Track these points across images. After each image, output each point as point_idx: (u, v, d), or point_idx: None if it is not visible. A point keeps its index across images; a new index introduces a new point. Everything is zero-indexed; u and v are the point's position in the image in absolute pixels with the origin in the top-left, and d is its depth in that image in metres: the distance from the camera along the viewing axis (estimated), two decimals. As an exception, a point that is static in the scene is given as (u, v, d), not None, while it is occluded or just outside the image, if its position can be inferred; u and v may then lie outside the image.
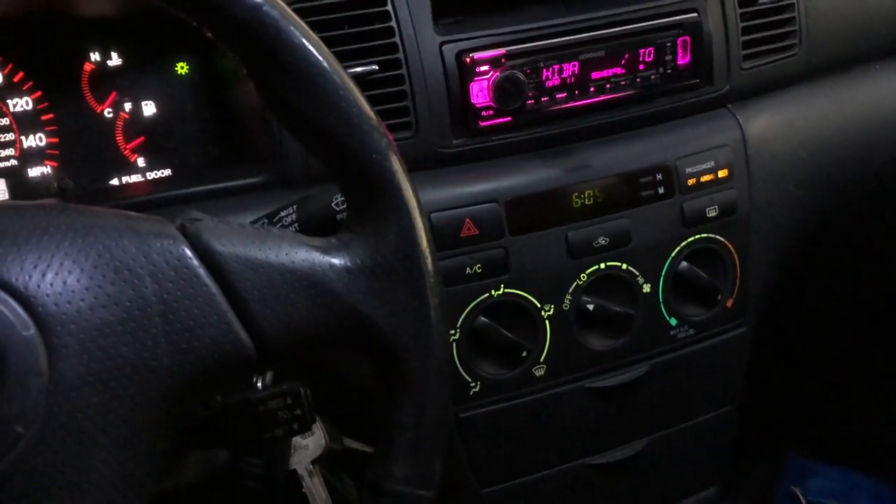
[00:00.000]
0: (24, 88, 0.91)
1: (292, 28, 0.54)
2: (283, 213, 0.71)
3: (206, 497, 0.84)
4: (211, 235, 0.54)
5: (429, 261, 0.58)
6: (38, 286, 0.49)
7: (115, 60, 0.93)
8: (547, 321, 0.95)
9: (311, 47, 0.54)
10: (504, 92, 0.90)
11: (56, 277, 0.50)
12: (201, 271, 0.53)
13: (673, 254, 0.99)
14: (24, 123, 0.91)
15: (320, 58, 0.55)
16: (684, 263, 1.00)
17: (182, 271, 0.52)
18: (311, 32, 0.55)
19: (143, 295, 0.51)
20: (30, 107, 0.91)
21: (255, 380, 0.73)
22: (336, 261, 0.56)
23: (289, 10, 0.54)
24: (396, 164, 0.57)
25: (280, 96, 0.56)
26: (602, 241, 0.95)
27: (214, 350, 0.53)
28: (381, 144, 0.56)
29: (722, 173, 1.00)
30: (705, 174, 0.99)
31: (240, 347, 0.53)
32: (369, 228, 0.57)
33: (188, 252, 0.53)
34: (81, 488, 0.49)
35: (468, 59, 0.90)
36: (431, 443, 0.59)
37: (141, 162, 0.95)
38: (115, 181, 0.95)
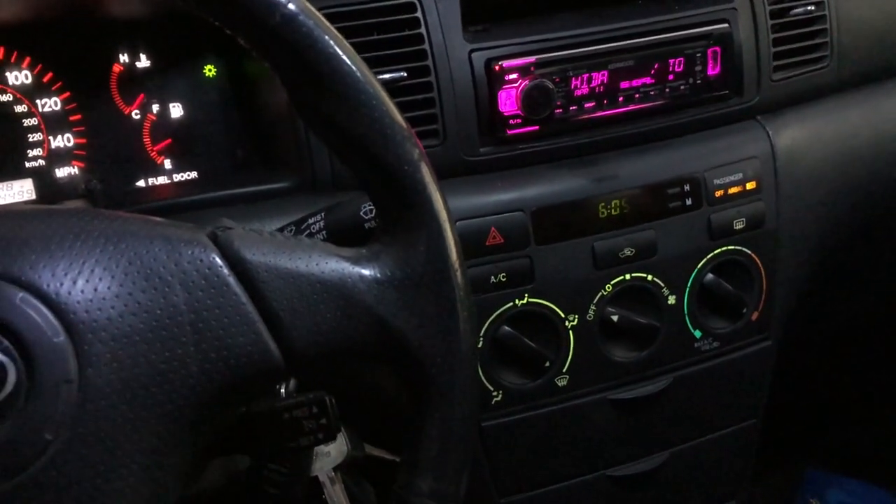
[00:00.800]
0: (53, 89, 0.91)
1: (327, 37, 0.54)
2: (310, 221, 0.71)
3: (226, 502, 0.84)
4: (241, 244, 0.53)
5: (458, 273, 0.57)
6: (70, 293, 0.49)
7: (143, 62, 0.93)
8: (571, 331, 0.95)
9: (345, 57, 0.54)
10: (532, 100, 0.90)
11: (87, 284, 0.50)
12: (231, 280, 0.53)
13: (699, 266, 0.99)
14: (53, 124, 0.92)
15: (354, 68, 0.54)
16: (710, 276, 0.99)
17: (212, 280, 0.52)
18: (345, 42, 0.55)
19: (174, 303, 0.51)
20: (58, 107, 0.92)
21: (278, 387, 0.73)
22: (366, 272, 0.56)
23: (323, 20, 0.54)
24: (428, 176, 0.57)
25: (313, 105, 0.56)
26: (628, 251, 0.95)
27: (243, 359, 0.52)
28: (412, 155, 0.56)
29: (750, 185, 0.99)
30: (733, 186, 0.99)
31: (268, 357, 0.53)
32: (399, 240, 0.57)
33: (219, 260, 0.53)
34: (108, 496, 0.49)
35: (497, 67, 0.89)
36: (458, 456, 0.59)
37: (168, 164, 0.95)
38: (141, 183, 0.95)
